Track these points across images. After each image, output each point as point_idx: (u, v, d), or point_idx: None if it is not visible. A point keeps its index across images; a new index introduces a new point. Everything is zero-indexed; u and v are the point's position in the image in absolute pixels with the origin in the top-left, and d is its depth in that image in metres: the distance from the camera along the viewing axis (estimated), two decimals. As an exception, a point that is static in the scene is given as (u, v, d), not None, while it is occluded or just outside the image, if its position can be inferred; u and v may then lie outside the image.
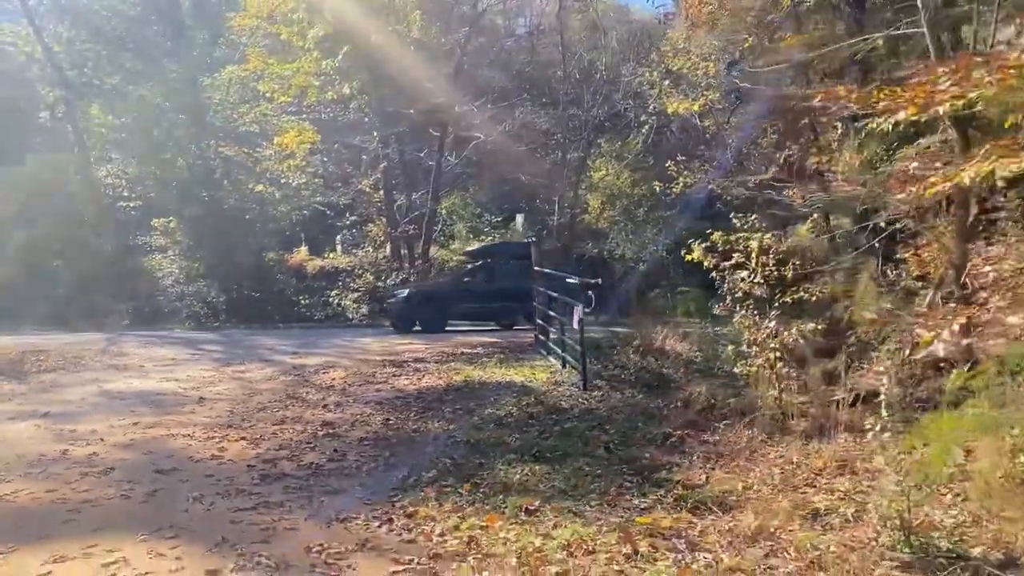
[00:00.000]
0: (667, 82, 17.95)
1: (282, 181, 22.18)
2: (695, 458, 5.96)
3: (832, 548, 3.92)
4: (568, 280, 11.17)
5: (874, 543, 3.95)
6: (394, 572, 3.89)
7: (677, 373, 9.29)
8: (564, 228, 23.15)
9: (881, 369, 5.65)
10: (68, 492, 5.24)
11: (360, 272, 21.44)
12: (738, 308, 6.97)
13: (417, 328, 16.01)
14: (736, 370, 7.28)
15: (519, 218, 24.48)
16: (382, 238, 22.55)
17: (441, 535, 4.34)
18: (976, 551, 3.79)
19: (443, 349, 12.17)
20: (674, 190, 17.93)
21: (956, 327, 4.20)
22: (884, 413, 4.17)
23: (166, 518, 4.70)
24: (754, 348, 6.80)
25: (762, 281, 6.80)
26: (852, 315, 7.35)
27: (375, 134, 22.06)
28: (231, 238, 21.19)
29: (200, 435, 6.82)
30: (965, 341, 4.78)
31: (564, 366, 9.53)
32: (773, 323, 6.61)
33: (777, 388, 6.61)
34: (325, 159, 23.79)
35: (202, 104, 21.44)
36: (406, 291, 16.90)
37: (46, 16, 21.88)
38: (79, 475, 5.64)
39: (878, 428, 4.16)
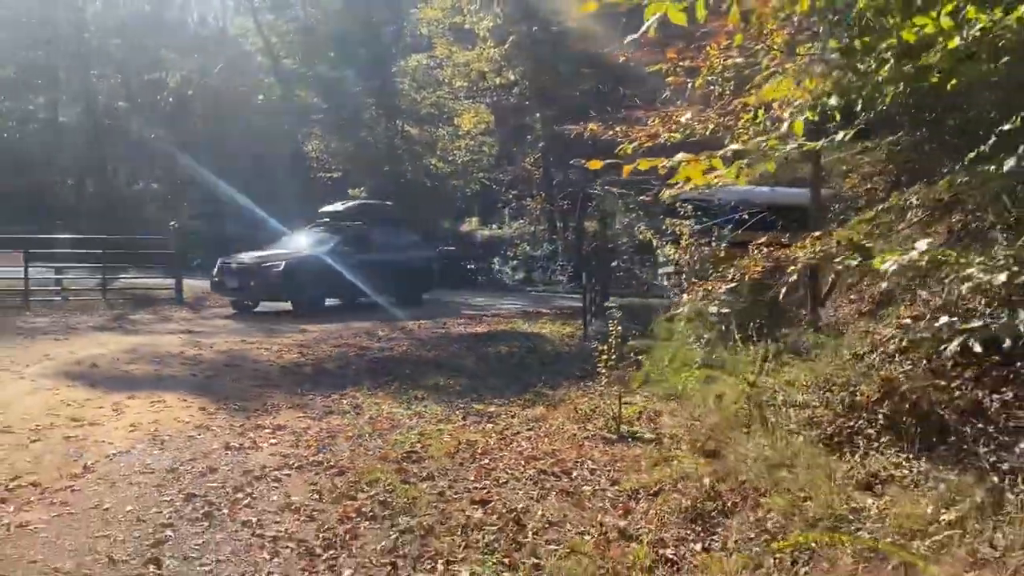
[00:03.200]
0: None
1: (449, 159, 25.51)
2: (581, 386, 7.70)
3: (573, 431, 5.78)
4: None
5: (598, 429, 5.76)
6: (298, 416, 6.36)
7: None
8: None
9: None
10: (163, 371, 8.26)
11: (518, 243, 24.15)
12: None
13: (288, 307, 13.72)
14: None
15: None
16: (538, 212, 25.09)
17: (344, 403, 6.75)
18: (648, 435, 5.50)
19: (527, 309, 14.59)
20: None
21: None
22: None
23: (205, 387, 7.48)
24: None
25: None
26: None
27: (537, 115, 24.50)
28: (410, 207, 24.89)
29: (275, 350, 9.72)
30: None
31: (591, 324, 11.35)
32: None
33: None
34: (491, 139, 26.71)
35: (389, 88, 25.30)
36: (280, 263, 13.40)
37: (264, 11, 26.93)
38: (178, 364, 8.68)
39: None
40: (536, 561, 3.67)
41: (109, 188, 28.27)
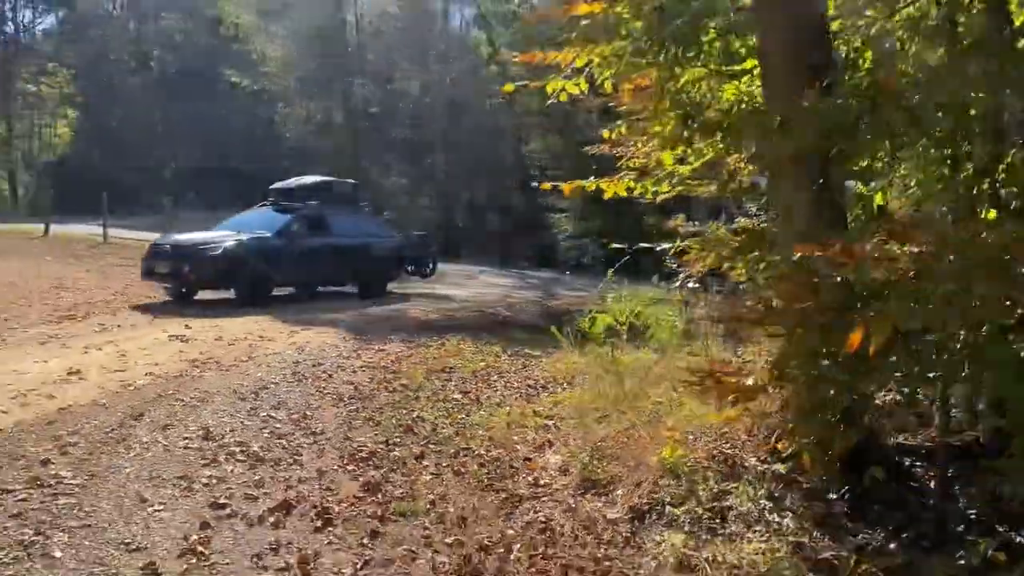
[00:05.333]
0: None
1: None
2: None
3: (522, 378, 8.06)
4: None
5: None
6: (396, 346, 9.23)
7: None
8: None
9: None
10: (332, 317, 11.60)
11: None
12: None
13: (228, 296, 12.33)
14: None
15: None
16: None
17: (393, 349, 9.52)
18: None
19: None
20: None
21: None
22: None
23: (354, 329, 10.64)
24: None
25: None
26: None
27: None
28: (617, 206, 27.31)
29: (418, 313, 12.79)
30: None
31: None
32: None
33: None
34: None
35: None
36: (219, 246, 12.06)
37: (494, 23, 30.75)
38: (345, 316, 12.03)
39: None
40: (478, 407, 6.16)
41: (365, 181, 33.76)
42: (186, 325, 9.52)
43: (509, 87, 5.78)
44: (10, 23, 46.97)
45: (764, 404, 4.59)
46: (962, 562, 3.28)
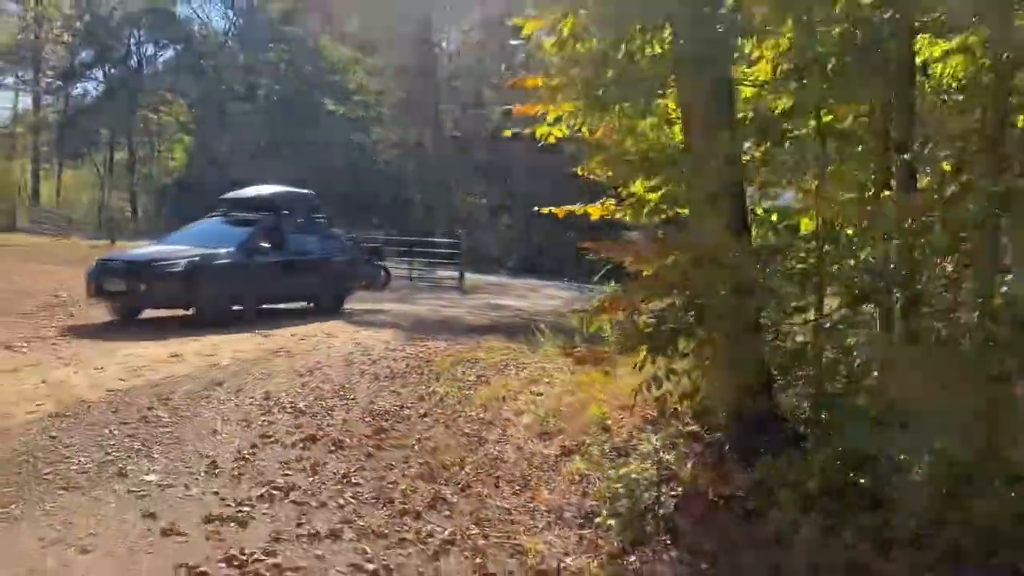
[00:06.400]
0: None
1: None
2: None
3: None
4: None
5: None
6: (438, 342, 10.97)
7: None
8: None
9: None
10: (395, 321, 13.44)
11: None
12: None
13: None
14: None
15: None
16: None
17: (435, 345, 11.21)
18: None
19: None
20: None
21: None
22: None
23: (407, 328, 12.44)
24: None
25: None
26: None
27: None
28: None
29: (471, 318, 14.52)
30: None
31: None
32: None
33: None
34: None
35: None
36: (180, 262, 11.37)
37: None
38: (402, 319, 13.86)
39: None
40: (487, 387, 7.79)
41: (450, 200, 36.01)
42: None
43: (507, 132, 7.37)
44: (134, 57, 51.87)
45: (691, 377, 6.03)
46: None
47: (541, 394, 7.55)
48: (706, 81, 5.61)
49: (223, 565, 3.75)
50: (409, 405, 7.22)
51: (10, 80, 48.28)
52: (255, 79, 46.49)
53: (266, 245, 12.60)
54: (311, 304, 13.88)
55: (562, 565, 4.02)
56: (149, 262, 11.50)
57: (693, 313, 4.99)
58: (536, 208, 7.44)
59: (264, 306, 12.81)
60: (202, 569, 3.69)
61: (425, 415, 6.91)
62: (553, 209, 7.34)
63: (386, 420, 6.64)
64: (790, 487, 4.30)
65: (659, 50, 5.90)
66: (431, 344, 10.80)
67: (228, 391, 7.28)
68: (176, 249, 12.03)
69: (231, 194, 14.49)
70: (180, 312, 11.67)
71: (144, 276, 11.19)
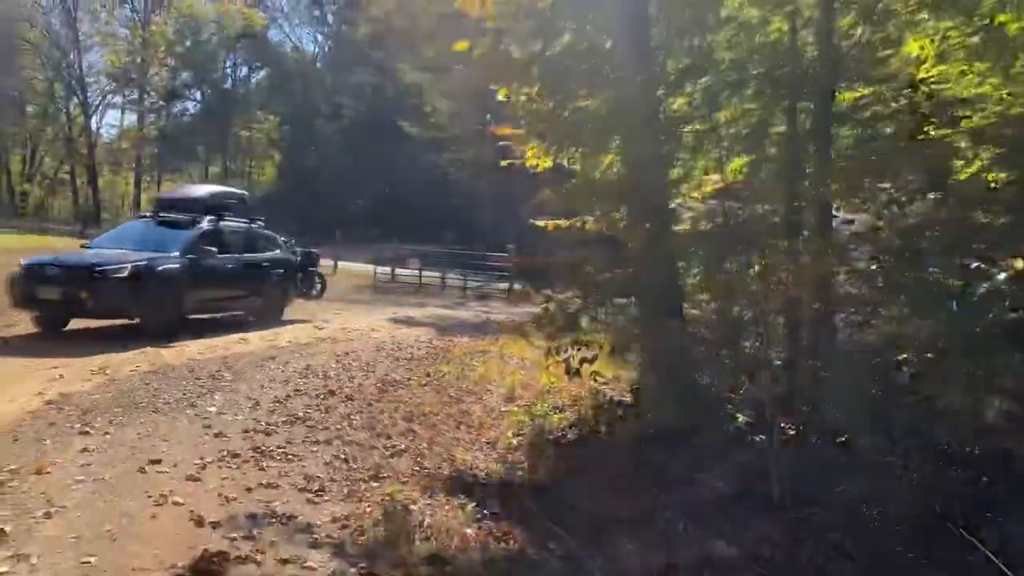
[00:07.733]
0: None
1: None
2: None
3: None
4: None
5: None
6: (462, 336, 13.04)
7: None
8: None
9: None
10: (434, 322, 15.57)
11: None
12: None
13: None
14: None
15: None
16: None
17: (459, 340, 13.25)
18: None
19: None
20: None
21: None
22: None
23: (440, 327, 14.54)
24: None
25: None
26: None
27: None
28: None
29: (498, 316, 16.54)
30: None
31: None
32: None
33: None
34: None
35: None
36: (125, 267, 10.55)
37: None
38: (440, 320, 15.96)
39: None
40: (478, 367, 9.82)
41: (514, 217, 38.21)
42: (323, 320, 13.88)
43: (505, 162, 9.38)
44: (229, 79, 56.17)
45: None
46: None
47: (523, 373, 9.53)
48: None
49: (250, 451, 5.88)
50: (414, 378, 9.29)
51: (118, 99, 53.29)
52: (341, 100, 49.94)
53: (211, 248, 11.87)
54: (250, 317, 12.93)
55: (474, 462, 6.02)
56: (91, 267, 10.45)
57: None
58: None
59: (200, 316, 12.35)
60: (236, 452, 5.82)
61: (425, 385, 8.97)
62: (548, 222, 9.11)
63: (392, 386, 8.72)
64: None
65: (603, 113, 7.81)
66: (456, 340, 12.89)
67: (277, 363, 9.49)
68: (116, 253, 11.11)
69: (163, 194, 13.91)
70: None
71: (85, 283, 10.26)
